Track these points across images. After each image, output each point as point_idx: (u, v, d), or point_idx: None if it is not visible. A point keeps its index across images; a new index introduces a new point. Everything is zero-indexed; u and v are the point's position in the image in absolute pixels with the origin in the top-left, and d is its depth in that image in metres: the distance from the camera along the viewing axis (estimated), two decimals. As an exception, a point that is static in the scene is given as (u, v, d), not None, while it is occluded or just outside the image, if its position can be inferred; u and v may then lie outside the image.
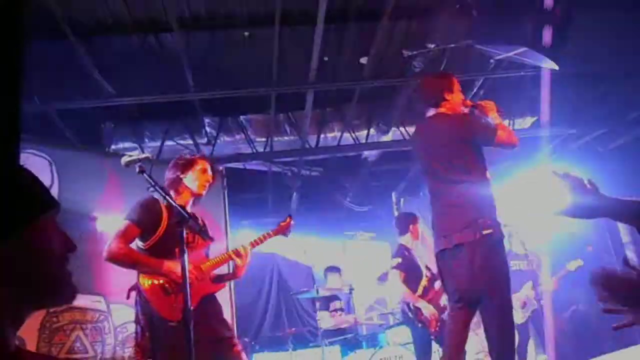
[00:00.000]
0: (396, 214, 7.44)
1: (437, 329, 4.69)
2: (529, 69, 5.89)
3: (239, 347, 3.12)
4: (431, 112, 3.43)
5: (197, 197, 3.26)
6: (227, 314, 5.45)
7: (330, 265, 6.92)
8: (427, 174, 3.44)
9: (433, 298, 4.85)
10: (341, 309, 6.41)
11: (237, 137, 6.95)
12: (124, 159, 2.81)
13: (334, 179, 9.03)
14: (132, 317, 4.52)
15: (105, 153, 5.92)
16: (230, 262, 3.33)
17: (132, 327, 4.58)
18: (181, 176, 3.19)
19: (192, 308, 2.64)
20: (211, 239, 3.07)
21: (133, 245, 3.04)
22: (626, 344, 7.23)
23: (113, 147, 6.49)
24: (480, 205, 3.11)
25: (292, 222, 3.56)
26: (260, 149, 7.04)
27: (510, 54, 4.45)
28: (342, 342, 5.87)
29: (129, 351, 4.60)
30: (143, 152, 6.20)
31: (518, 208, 5.75)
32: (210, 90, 5.97)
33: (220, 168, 6.44)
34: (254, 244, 3.33)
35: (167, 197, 2.64)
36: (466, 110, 3.41)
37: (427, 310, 4.67)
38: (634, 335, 7.40)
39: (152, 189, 2.67)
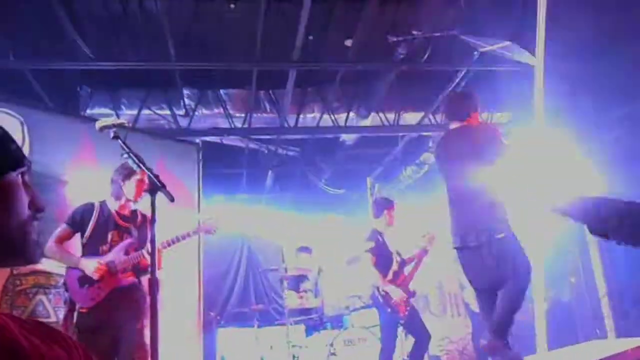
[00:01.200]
0: (370, 198, 7.48)
1: (406, 313, 4.75)
2: (511, 64, 5.93)
3: (141, 339, 3.46)
4: (455, 124, 3.78)
5: (134, 201, 3.72)
6: (194, 287, 5.47)
7: (301, 246, 6.94)
8: (448, 179, 3.77)
9: (402, 283, 4.91)
10: (309, 290, 6.45)
11: (216, 110, 6.88)
12: (99, 123, 2.76)
13: (311, 160, 9.02)
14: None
15: (79, 117, 5.80)
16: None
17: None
18: (122, 185, 3.63)
19: (101, 298, 3.41)
20: (143, 239, 3.60)
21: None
22: (600, 335, 7.48)
23: (88, 111, 6.37)
24: (492, 211, 3.46)
25: (215, 225, 3.85)
26: (239, 125, 6.98)
27: (495, 47, 4.46)
28: (307, 322, 5.92)
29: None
30: (119, 119, 6.10)
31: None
32: (192, 61, 5.88)
33: (197, 141, 6.38)
34: (167, 244, 3.66)
35: (141, 164, 2.61)
36: (487, 124, 3.83)
37: (397, 294, 4.73)
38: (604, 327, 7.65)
39: (125, 155, 2.63)
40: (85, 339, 3.22)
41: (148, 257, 3.40)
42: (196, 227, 3.83)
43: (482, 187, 3.48)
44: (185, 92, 6.72)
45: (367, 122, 7.37)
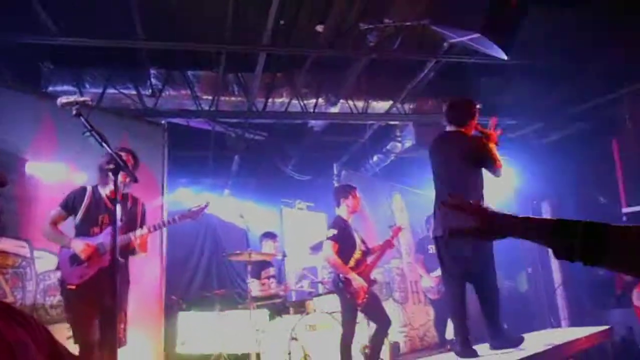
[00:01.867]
0: (336, 185, 7.50)
1: (365, 300, 4.80)
2: (480, 57, 6.00)
3: (121, 320, 3.60)
4: (451, 127, 4.14)
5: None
6: (156, 271, 5.41)
7: (266, 231, 6.92)
8: (437, 177, 4.15)
9: (364, 271, 4.95)
10: (273, 276, 6.45)
11: (183, 92, 6.77)
12: (61, 100, 2.69)
13: (278, 146, 8.98)
14: (55, 266, 4.53)
15: (41, 94, 5.63)
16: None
17: (54, 276, 4.52)
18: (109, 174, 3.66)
19: (87, 277, 3.62)
20: (128, 221, 3.81)
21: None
22: (554, 324, 7.71)
23: (51, 88, 6.17)
24: None
25: (204, 208, 3.98)
26: (206, 107, 6.89)
27: (464, 38, 4.51)
28: (270, 306, 5.92)
29: (50, 300, 4.47)
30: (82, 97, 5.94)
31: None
32: (160, 40, 5.76)
33: (163, 122, 6.28)
34: (153, 229, 3.81)
35: (104, 143, 2.55)
36: (478, 135, 4.12)
37: (357, 281, 4.77)
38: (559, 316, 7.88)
39: (87, 133, 2.57)
40: (73, 314, 3.59)
41: (136, 240, 3.71)
42: (185, 212, 3.93)
43: (467, 185, 3.91)
44: (152, 71, 6.59)
45: (335, 109, 7.37)
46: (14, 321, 1.07)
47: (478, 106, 4.25)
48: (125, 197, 3.87)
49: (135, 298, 4.80)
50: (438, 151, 4.22)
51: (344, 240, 4.95)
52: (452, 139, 4.15)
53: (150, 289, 5.32)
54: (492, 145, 4.06)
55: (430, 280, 6.96)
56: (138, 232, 3.76)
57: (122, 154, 3.61)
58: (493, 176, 4.05)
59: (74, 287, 3.60)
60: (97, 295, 3.49)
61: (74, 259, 3.66)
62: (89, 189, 3.83)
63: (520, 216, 1.19)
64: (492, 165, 3.99)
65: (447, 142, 4.18)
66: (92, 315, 3.55)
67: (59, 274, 3.78)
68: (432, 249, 7.17)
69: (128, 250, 3.80)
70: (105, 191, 3.82)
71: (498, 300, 4.01)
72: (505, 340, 3.92)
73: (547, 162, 7.46)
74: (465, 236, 1.29)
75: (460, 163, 3.98)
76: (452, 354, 4.45)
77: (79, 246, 3.64)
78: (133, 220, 3.86)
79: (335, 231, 4.93)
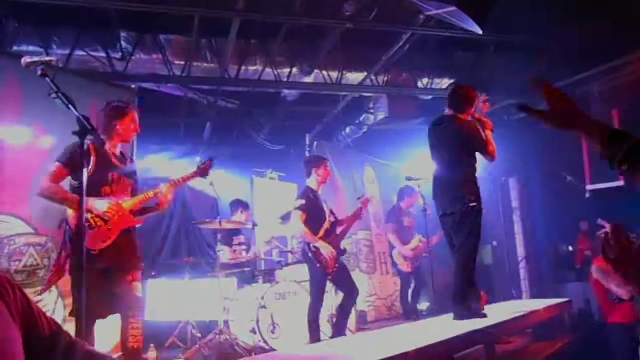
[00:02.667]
0: (307, 155, 7.49)
1: (334, 269, 4.86)
2: (455, 31, 6.00)
3: (136, 279, 3.42)
4: (450, 112, 4.42)
5: (125, 142, 3.66)
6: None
7: (236, 200, 6.90)
8: (435, 158, 4.45)
9: (333, 241, 4.99)
10: (243, 244, 6.46)
11: (154, 56, 6.62)
12: (25, 60, 2.60)
13: (250, 114, 8.91)
14: (21, 231, 4.39)
15: (5, 53, 5.44)
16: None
17: (20, 241, 4.44)
18: (116, 125, 3.47)
19: (109, 241, 3.28)
20: (134, 180, 3.57)
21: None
22: (516, 296, 7.93)
23: (15, 48, 5.96)
24: (469, 187, 4.26)
25: (212, 165, 3.88)
26: (178, 73, 6.76)
27: (440, 11, 4.51)
28: (238, 275, 5.94)
29: (15, 265, 4.40)
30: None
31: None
32: (130, 1, 5.59)
33: (133, 87, 6.14)
34: (174, 184, 3.64)
35: (71, 106, 2.49)
36: (473, 121, 4.40)
37: (326, 250, 4.81)
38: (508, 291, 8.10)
39: (54, 95, 2.50)
40: (94, 281, 2.94)
41: (159, 197, 3.51)
42: (196, 170, 3.86)
43: (459, 168, 4.27)
44: (122, 34, 6.42)
45: (310, 79, 7.32)
46: None
47: (483, 97, 4.60)
48: (124, 155, 3.60)
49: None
50: (434, 134, 4.47)
51: (313, 210, 4.97)
52: (448, 123, 4.41)
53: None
54: (487, 132, 4.36)
55: (405, 252, 7.02)
56: (162, 187, 3.53)
57: None
58: (486, 160, 4.36)
59: (97, 252, 3.19)
60: (121, 259, 3.31)
61: (92, 222, 3.21)
62: (90, 144, 3.14)
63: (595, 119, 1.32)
64: (484, 149, 4.28)
65: (443, 125, 4.43)
66: (114, 282, 3.27)
67: (67, 236, 3.27)
68: (406, 221, 7.26)
69: (145, 210, 3.59)
70: (110, 147, 3.46)
71: (467, 273, 4.24)
72: (470, 312, 4.09)
73: (515, 140, 7.57)
74: (534, 115, 1.37)
75: (454, 146, 4.29)
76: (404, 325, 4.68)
77: (103, 206, 3.24)
78: (136, 180, 3.62)
79: (303, 201, 4.94)
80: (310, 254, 4.86)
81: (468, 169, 4.32)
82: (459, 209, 4.20)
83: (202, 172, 3.85)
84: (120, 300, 3.29)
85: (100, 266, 3.16)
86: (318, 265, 4.82)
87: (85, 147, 2.95)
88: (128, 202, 3.41)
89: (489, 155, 4.31)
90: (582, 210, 7.60)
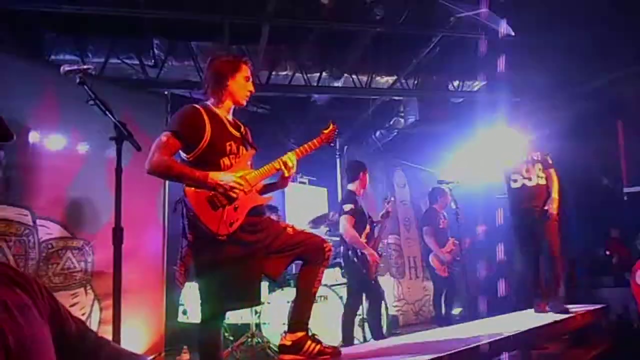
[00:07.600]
0: (338, 161, 7.48)
1: (376, 274, 4.89)
2: (486, 33, 5.94)
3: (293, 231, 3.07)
4: None
5: (238, 106, 3.03)
6: (158, 240, 5.43)
7: (267, 204, 6.92)
8: None
9: (374, 245, 5.00)
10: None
11: (186, 63, 6.71)
12: (64, 68, 2.66)
13: (280, 119, 8.95)
14: (58, 234, 4.46)
15: (44, 62, 5.59)
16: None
17: (57, 244, 4.54)
18: (227, 81, 2.93)
19: (240, 222, 2.72)
20: (254, 149, 2.99)
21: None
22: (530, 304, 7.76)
23: (53, 57, 6.13)
24: None
25: (335, 128, 3.31)
26: (209, 79, 6.83)
27: (472, 12, 4.46)
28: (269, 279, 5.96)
29: (52, 268, 4.51)
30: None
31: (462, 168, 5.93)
32: (162, 9, 5.69)
33: (165, 93, 6.24)
34: (300, 153, 3.14)
35: (108, 112, 2.54)
36: None
37: (374, 257, 4.82)
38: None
39: (91, 102, 2.56)
40: (226, 272, 2.66)
41: (284, 170, 3.00)
42: (320, 137, 3.29)
43: None
44: (155, 41, 6.53)
45: (339, 83, 7.33)
46: (16, 284, 1.09)
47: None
48: (237, 122, 3.04)
49: (137, 268, 4.86)
50: None
51: (358, 214, 4.95)
52: None
53: (152, 259, 5.34)
54: None
55: (443, 255, 6.75)
56: (287, 157, 3.01)
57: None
58: None
59: (224, 237, 2.66)
60: (255, 242, 2.81)
61: (217, 201, 2.68)
62: (202, 109, 2.84)
63: None
64: None
65: None
66: (253, 270, 2.84)
67: (185, 222, 2.75)
68: (442, 223, 7.03)
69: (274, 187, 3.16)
70: (222, 112, 2.93)
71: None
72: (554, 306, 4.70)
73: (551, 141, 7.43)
74: None
75: None
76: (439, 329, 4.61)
77: (230, 180, 2.65)
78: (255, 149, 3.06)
79: (351, 205, 4.91)
80: (355, 259, 4.83)
81: None
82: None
83: (327, 138, 3.29)
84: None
85: (232, 253, 2.68)
86: (364, 270, 4.80)
87: (205, 114, 2.72)
88: (252, 175, 2.85)
89: None
90: (617, 214, 7.42)
